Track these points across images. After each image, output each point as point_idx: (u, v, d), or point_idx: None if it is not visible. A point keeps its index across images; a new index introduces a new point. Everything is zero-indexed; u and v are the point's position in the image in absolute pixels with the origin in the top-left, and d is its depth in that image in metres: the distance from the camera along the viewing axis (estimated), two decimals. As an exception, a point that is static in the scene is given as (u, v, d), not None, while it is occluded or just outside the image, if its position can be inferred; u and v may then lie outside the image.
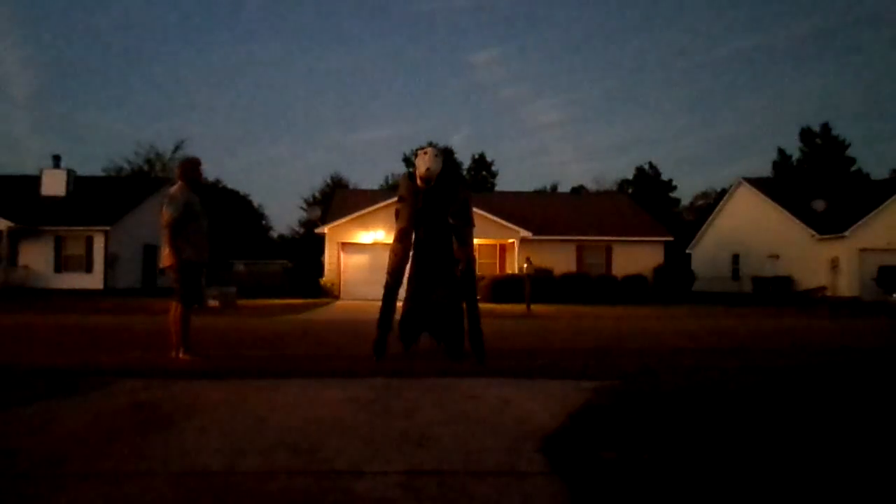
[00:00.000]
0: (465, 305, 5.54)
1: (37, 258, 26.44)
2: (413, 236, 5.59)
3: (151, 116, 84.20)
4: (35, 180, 29.77)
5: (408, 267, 5.71)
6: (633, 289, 25.72)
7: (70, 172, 30.13)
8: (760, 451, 2.80)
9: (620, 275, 26.93)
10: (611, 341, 8.60)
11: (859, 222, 27.11)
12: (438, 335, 5.74)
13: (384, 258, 6.10)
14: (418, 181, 5.40)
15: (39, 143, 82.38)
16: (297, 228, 56.92)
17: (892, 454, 2.82)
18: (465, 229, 5.58)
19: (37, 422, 3.26)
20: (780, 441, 2.99)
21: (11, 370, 4.83)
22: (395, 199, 6.02)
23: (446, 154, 63.59)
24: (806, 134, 55.65)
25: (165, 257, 5.70)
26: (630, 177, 61.04)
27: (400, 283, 5.54)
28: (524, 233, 26.88)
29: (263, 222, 57.81)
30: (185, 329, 5.68)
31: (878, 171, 55.01)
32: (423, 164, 5.34)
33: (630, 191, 55.25)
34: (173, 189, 5.88)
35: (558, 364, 5.75)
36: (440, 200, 5.53)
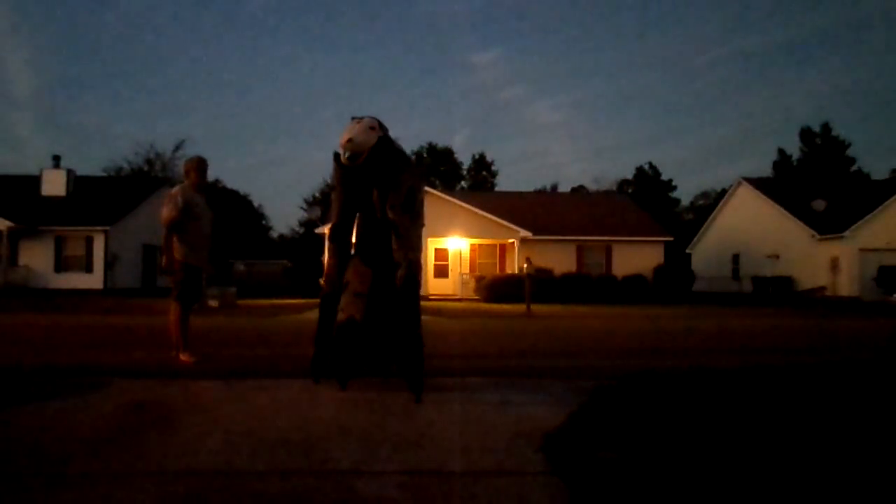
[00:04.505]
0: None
1: (37, 258, 26.45)
2: (350, 232, 4.53)
3: (151, 116, 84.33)
4: (35, 180, 29.78)
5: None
6: (633, 289, 25.72)
7: (70, 172, 30.14)
8: (756, 450, 2.81)
9: (620, 275, 26.93)
10: (611, 341, 8.60)
11: (859, 222, 27.12)
12: (390, 355, 4.44)
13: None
14: (342, 156, 4.17)
15: (40, 143, 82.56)
16: (297, 228, 57.00)
17: None
18: (407, 225, 4.25)
19: (37, 422, 3.26)
20: (775, 440, 2.99)
21: (12, 370, 4.83)
22: None
23: (446, 155, 63.48)
24: (806, 134, 55.69)
25: (164, 257, 5.68)
26: (630, 177, 61.13)
27: (338, 290, 4.36)
28: (524, 233, 26.88)
29: (263, 222, 57.84)
30: (184, 329, 5.67)
31: (878, 171, 55.08)
32: (345, 136, 4.09)
33: (630, 191, 55.28)
34: (175, 188, 5.80)
35: (558, 364, 5.76)
36: (377, 186, 4.32)
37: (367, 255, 4.44)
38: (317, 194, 56.67)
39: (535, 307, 18.15)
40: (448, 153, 63.15)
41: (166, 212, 5.58)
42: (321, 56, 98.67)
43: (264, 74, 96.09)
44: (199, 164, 5.85)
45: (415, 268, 4.22)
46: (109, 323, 11.25)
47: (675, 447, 2.86)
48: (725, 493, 2.31)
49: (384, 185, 4.28)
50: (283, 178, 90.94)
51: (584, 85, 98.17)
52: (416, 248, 4.32)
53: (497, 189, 55.97)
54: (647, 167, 60.73)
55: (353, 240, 4.55)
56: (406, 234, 4.24)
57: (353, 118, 4.23)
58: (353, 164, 4.15)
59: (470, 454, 2.72)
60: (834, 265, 27.64)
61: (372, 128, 4.15)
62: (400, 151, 4.37)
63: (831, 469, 2.58)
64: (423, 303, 5.22)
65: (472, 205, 27.17)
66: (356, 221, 4.52)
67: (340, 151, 4.16)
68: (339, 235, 4.45)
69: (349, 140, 4.06)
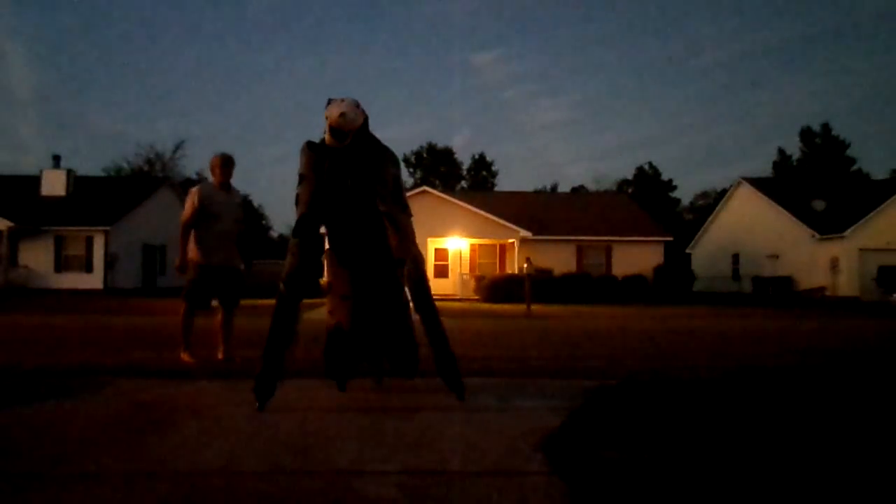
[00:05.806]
0: (419, 319, 3.92)
1: (37, 258, 26.47)
2: (320, 226, 3.94)
3: (152, 116, 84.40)
4: (35, 180, 29.80)
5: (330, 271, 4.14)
6: (633, 289, 25.72)
7: (70, 172, 30.17)
8: (757, 450, 2.81)
9: (620, 275, 26.94)
10: (611, 342, 8.60)
11: (859, 222, 27.13)
12: (382, 355, 4.19)
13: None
14: (327, 137, 3.73)
15: (40, 143, 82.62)
16: (297, 228, 56.98)
17: None
18: (402, 216, 3.89)
19: (37, 422, 3.26)
20: (777, 441, 2.99)
21: (12, 370, 4.83)
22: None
23: (446, 155, 63.31)
24: (806, 134, 55.72)
25: (179, 256, 5.65)
26: (630, 177, 61.17)
27: (298, 293, 3.79)
28: (524, 233, 26.89)
29: (263, 222, 57.87)
30: (188, 329, 5.66)
31: (878, 171, 55.17)
32: (335, 110, 3.64)
33: (630, 191, 55.30)
34: (196, 186, 5.77)
35: (558, 364, 5.76)
36: (359, 174, 3.80)
37: (346, 253, 3.95)
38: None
39: (535, 307, 18.14)
40: (448, 153, 63.23)
41: (184, 210, 5.59)
42: (321, 56, 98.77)
43: (265, 74, 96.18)
44: (223, 162, 5.71)
45: (420, 262, 3.94)
46: (109, 323, 11.25)
47: (677, 447, 2.86)
48: (727, 493, 2.31)
49: (366, 173, 3.80)
50: (282, 178, 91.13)
51: (584, 85, 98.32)
52: (414, 240, 3.95)
53: (497, 189, 56.03)
54: (647, 167, 60.80)
55: (328, 236, 4.05)
56: (403, 227, 3.86)
57: (330, 99, 3.77)
58: (340, 144, 3.70)
59: (470, 454, 2.71)
60: (834, 265, 27.64)
61: (358, 106, 3.74)
62: (380, 143, 3.93)
63: (829, 470, 2.58)
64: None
65: (472, 205, 27.17)
66: (330, 216, 3.95)
67: (327, 129, 3.72)
68: (307, 229, 3.83)
69: (342, 114, 3.61)
